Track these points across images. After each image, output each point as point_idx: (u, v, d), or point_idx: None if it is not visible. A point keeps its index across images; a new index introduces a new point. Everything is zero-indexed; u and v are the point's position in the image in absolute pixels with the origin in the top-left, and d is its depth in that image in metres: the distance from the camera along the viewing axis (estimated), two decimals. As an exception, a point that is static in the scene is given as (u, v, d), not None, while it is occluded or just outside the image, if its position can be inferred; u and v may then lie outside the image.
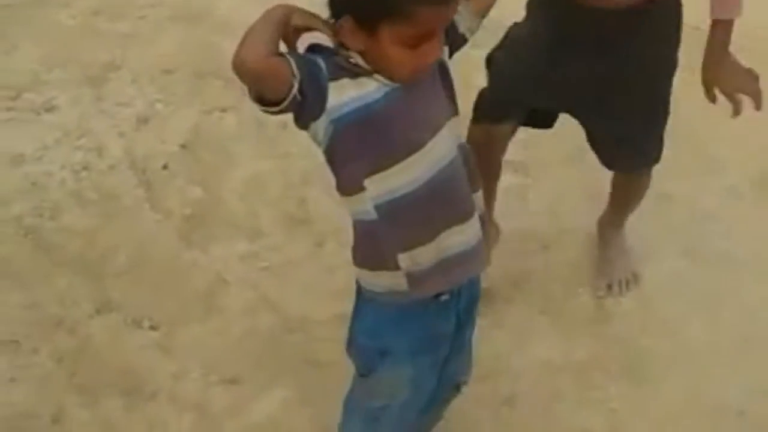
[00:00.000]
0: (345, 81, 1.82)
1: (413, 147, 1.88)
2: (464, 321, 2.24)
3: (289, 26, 1.81)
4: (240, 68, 1.74)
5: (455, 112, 2.00)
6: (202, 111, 4.14)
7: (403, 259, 1.97)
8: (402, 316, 2.08)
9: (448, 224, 1.98)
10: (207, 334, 3.16)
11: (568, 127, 4.14)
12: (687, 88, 4.46)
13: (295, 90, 1.76)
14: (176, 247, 3.52)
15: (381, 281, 2.03)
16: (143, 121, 4.12)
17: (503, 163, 3.58)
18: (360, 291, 2.13)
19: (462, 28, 2.01)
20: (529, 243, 3.56)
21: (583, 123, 2.96)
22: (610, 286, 3.30)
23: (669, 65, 2.84)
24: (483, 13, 2.08)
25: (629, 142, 2.97)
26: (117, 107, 4.24)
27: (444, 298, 2.08)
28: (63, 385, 3.00)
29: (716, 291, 3.35)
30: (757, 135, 4.11)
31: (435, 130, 1.91)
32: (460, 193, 2.00)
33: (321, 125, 1.83)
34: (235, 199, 3.69)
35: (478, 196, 2.09)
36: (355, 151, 1.88)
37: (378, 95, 1.84)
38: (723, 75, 2.74)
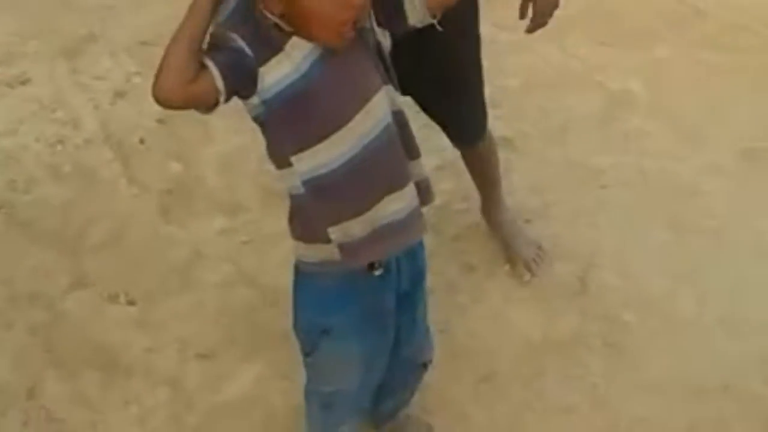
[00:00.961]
0: (272, 61, 1.77)
1: (339, 123, 1.85)
2: (411, 297, 2.21)
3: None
4: (164, 104, 1.73)
5: (387, 81, 1.94)
6: (180, 84, 4.09)
7: (333, 231, 1.94)
8: (339, 291, 2.06)
9: (380, 195, 1.95)
10: (183, 308, 3.13)
11: (553, 102, 4.13)
12: (668, 64, 4.48)
13: (221, 102, 1.76)
14: (154, 222, 3.49)
15: (315, 253, 2.00)
16: (120, 94, 4.07)
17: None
18: (298, 267, 2.10)
19: (412, 20, 1.95)
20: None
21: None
22: (527, 266, 3.25)
23: (467, 41, 2.83)
24: (436, 10, 1.99)
25: (451, 120, 3.00)
26: (93, 80, 4.19)
27: (378, 272, 2.05)
28: (38, 360, 2.97)
29: (700, 265, 3.32)
30: (738, 109, 4.10)
31: (363, 103, 1.87)
32: (392, 163, 1.97)
33: (251, 103, 1.82)
34: (213, 173, 3.65)
35: (418, 163, 2.04)
36: (283, 129, 1.86)
37: (304, 68, 1.79)
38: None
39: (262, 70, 1.76)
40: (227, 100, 1.77)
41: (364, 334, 2.13)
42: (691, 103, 4.16)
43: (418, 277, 2.21)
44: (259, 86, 1.77)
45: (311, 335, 2.14)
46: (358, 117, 1.86)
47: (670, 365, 2.98)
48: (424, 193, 2.07)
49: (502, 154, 3.77)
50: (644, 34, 4.71)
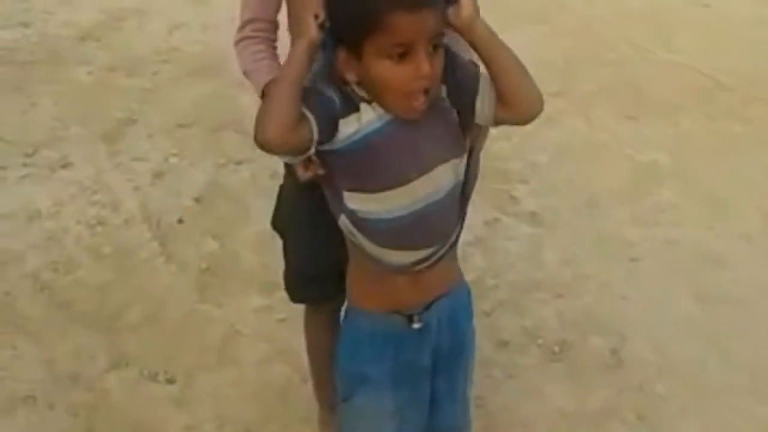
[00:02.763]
0: (349, 118, 1.88)
1: (395, 183, 1.92)
2: (451, 366, 2.24)
3: (314, 47, 1.85)
4: (264, 148, 1.82)
5: (459, 155, 2.01)
6: (216, 164, 4.18)
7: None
8: (378, 339, 2.11)
9: (425, 245, 2.02)
10: (221, 386, 3.16)
11: (579, 175, 4.19)
12: (693, 136, 4.54)
13: (312, 151, 1.87)
14: (191, 300, 3.55)
15: (359, 250, 2.06)
16: (158, 175, 4.18)
17: (517, 214, 3.62)
18: (346, 312, 2.18)
19: (479, 119, 2.00)
20: (543, 292, 3.57)
21: None
22: None
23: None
24: (510, 122, 2.04)
25: None
26: (132, 162, 4.30)
27: (417, 325, 2.09)
28: (79, 441, 3.01)
29: (729, 336, 3.34)
30: (762, 179, 4.15)
31: (424, 170, 1.93)
32: (443, 226, 2.04)
33: (322, 147, 1.90)
34: (249, 252, 3.72)
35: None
36: (341, 170, 1.95)
37: (377, 125, 1.89)
38: None
39: (342, 122, 1.87)
40: (320, 143, 1.87)
41: (399, 388, 2.16)
42: (717, 174, 4.22)
43: (460, 348, 2.24)
44: (336, 138, 1.88)
45: (349, 381, 2.18)
46: (416, 182, 1.93)
47: (702, 435, 3.00)
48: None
49: (532, 229, 3.84)
50: (669, 106, 4.80)
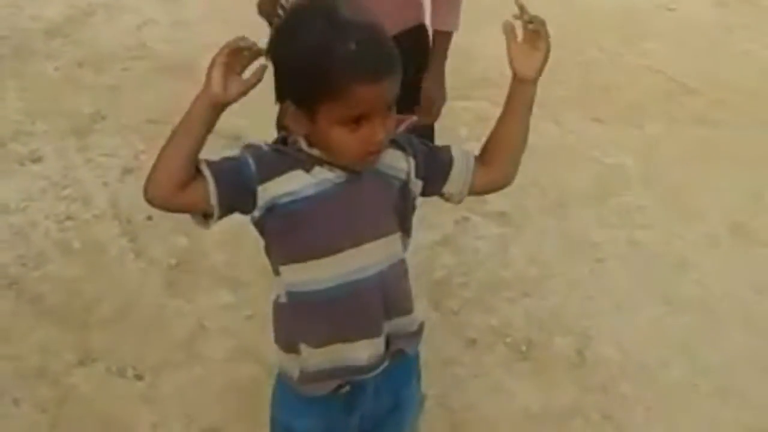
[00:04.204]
0: (273, 182, 1.79)
1: (327, 250, 1.85)
2: (382, 424, 2.15)
3: (220, 106, 1.73)
4: (151, 204, 1.75)
5: (396, 231, 1.93)
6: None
7: (303, 349, 1.94)
8: (307, 399, 2.04)
9: (348, 338, 1.93)
10: (189, 383, 3.17)
11: (549, 177, 4.23)
12: (660, 140, 4.59)
13: (214, 220, 1.78)
14: (160, 295, 3.55)
15: (285, 362, 2.03)
16: (128, 171, 4.18)
17: (485, 214, 3.64)
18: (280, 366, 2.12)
19: (448, 189, 1.98)
20: (511, 291, 3.60)
21: None
22: None
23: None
24: (480, 191, 2.04)
25: None
26: (102, 157, 4.29)
27: (345, 390, 2.01)
28: (46, 436, 3.00)
29: (694, 338, 3.39)
30: (733, 185, 4.20)
31: (358, 242, 1.86)
32: (368, 311, 1.93)
33: (252, 214, 1.82)
34: (218, 249, 3.72)
35: (404, 321, 2.01)
36: (276, 239, 1.88)
37: (310, 192, 1.81)
38: (433, 78, 2.94)
39: (269, 184, 1.79)
40: (222, 216, 1.78)
41: None
42: (683, 177, 4.28)
43: (398, 411, 2.16)
44: (258, 203, 1.79)
45: (278, 429, 2.15)
46: (349, 252, 1.85)
47: (666, 437, 3.03)
48: (410, 338, 2.06)
49: (501, 229, 3.87)
50: (636, 110, 4.84)
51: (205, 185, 1.74)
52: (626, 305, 3.54)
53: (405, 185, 1.92)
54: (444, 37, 2.91)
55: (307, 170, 1.82)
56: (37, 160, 4.27)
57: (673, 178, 4.30)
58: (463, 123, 4.47)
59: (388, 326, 1.97)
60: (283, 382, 2.08)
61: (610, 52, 5.58)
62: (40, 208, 3.96)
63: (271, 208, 1.81)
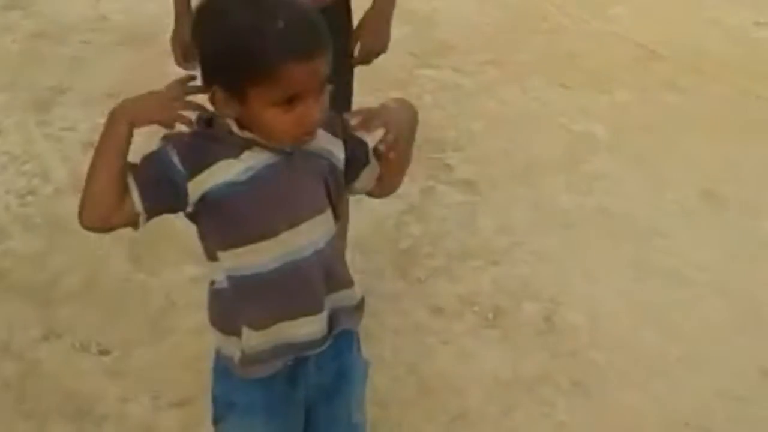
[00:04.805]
0: (203, 175, 1.76)
1: (265, 234, 1.83)
2: (331, 393, 2.14)
3: (143, 124, 1.74)
4: (90, 230, 1.74)
5: (324, 209, 1.91)
6: (147, 133, 4.12)
7: (245, 332, 1.92)
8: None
9: (290, 315, 1.92)
10: (156, 357, 3.14)
11: (517, 144, 4.22)
12: (628, 106, 4.59)
13: (141, 224, 1.76)
14: (125, 270, 3.52)
15: (225, 345, 2.01)
16: (89, 145, 4.09)
17: (451, 182, 3.61)
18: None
19: (354, 185, 1.99)
20: (478, 259, 3.59)
21: None
22: None
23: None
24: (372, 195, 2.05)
25: None
26: (62, 131, 4.24)
27: (289, 362, 2.00)
28: (10, 411, 2.95)
29: (663, 305, 3.39)
30: (702, 153, 4.21)
31: (293, 224, 1.85)
32: (309, 289, 1.92)
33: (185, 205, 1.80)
34: (183, 221, 3.66)
35: (349, 291, 2.01)
36: (210, 226, 1.85)
37: (242, 178, 1.78)
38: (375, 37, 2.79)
39: (198, 178, 1.75)
40: (149, 219, 1.76)
41: (271, 417, 2.07)
42: (652, 144, 4.28)
43: (344, 381, 2.13)
44: (189, 198, 1.76)
45: (219, 406, 2.11)
46: (286, 234, 1.84)
47: (634, 403, 3.02)
48: (351, 313, 2.04)
49: (467, 197, 3.85)
50: (603, 76, 4.84)
51: (130, 201, 1.73)
52: (596, 272, 3.54)
53: (334, 167, 1.90)
54: None
55: (236, 156, 1.78)
56: (-4, 134, 4.21)
57: (643, 145, 4.30)
58: (427, 91, 4.46)
59: (329, 301, 1.96)
60: (222, 360, 2.05)
61: (576, 18, 5.58)
62: (0, 183, 3.91)
63: (203, 199, 1.77)
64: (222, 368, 2.07)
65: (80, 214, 1.72)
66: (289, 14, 1.67)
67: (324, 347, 1.99)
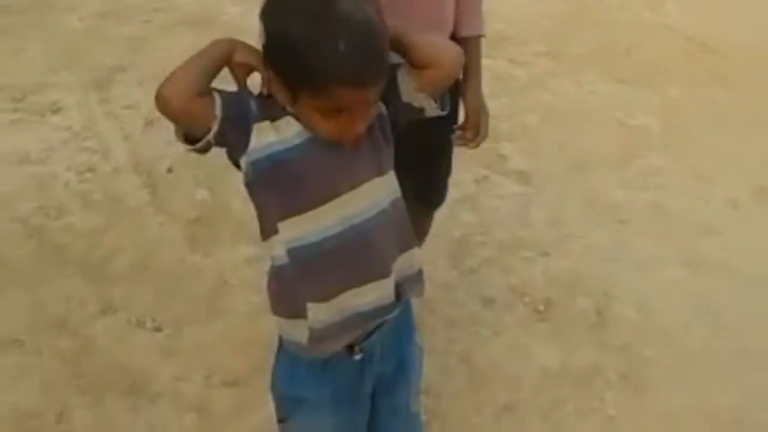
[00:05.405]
0: (267, 123, 1.78)
1: (325, 197, 1.82)
2: (392, 384, 2.13)
3: (232, 62, 1.78)
4: (161, 107, 1.74)
5: (385, 170, 1.91)
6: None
7: (311, 308, 1.89)
8: (317, 368, 2.01)
9: (356, 283, 1.89)
10: (210, 336, 3.18)
11: (570, 137, 4.21)
12: (680, 102, 4.56)
13: (211, 135, 1.75)
14: (181, 250, 3.56)
15: (291, 330, 1.97)
16: (149, 123, 4.18)
17: (505, 173, 3.61)
18: (281, 340, 2.08)
19: (405, 98, 1.91)
20: (530, 250, 3.60)
21: None
22: None
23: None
24: (426, 91, 1.93)
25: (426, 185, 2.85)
26: (123, 110, 4.30)
27: (358, 356, 1.99)
28: (67, 385, 3.01)
29: (715, 300, 3.38)
30: (753, 148, 4.18)
31: (354, 185, 1.84)
32: (375, 253, 1.91)
33: (243, 164, 1.79)
34: (240, 202, 3.72)
35: (411, 254, 1.99)
36: (269, 194, 1.83)
37: (297, 141, 1.79)
38: (473, 93, 2.68)
39: (256, 127, 1.77)
40: (217, 136, 1.75)
41: (337, 412, 2.08)
42: (704, 139, 4.26)
43: (403, 369, 2.14)
44: (250, 146, 1.77)
45: (286, 404, 2.11)
46: (347, 196, 1.84)
47: (684, 398, 3.03)
48: (413, 282, 2.02)
49: (521, 188, 3.86)
50: (658, 70, 4.81)
51: (212, 102, 1.73)
52: (647, 267, 3.54)
53: (379, 115, 1.88)
54: (476, 43, 2.62)
55: (288, 122, 1.80)
56: (58, 111, 4.27)
57: (695, 140, 4.28)
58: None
59: (397, 265, 1.95)
60: (287, 355, 2.05)
61: (631, 12, 5.54)
62: (61, 160, 3.97)
63: (264, 159, 1.78)
64: (286, 364, 2.06)
65: (161, 87, 1.73)
66: (351, 37, 1.66)
67: (393, 314, 1.99)
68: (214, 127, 1.73)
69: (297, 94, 1.73)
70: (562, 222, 3.76)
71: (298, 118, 1.79)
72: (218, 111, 1.73)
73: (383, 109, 1.88)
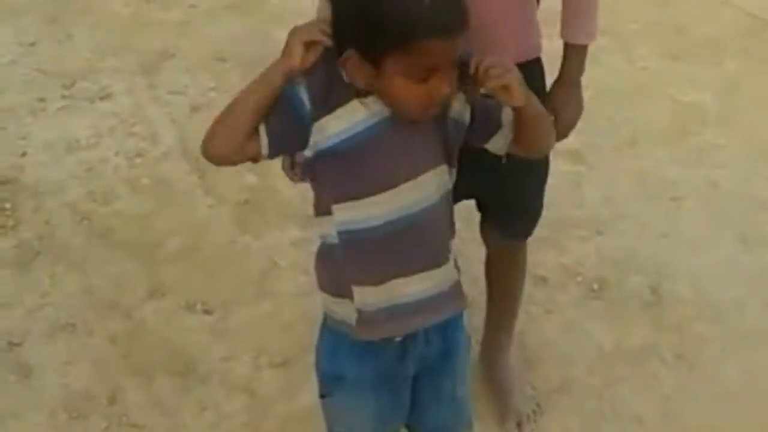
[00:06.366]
0: (325, 119, 1.77)
1: (384, 186, 1.83)
2: (435, 372, 2.12)
3: (294, 43, 1.74)
4: (211, 161, 1.78)
5: (445, 162, 1.90)
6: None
7: (357, 291, 1.91)
8: (358, 347, 2.00)
9: (405, 272, 1.91)
10: (259, 317, 3.18)
11: (623, 114, 4.15)
12: (738, 77, 4.47)
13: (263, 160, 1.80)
14: (229, 232, 3.56)
15: (339, 309, 1.98)
16: (196, 109, 4.18)
17: (557, 151, 3.55)
18: (326, 318, 2.08)
19: (491, 147, 1.93)
20: (583, 229, 3.55)
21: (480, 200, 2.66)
22: (519, 425, 2.82)
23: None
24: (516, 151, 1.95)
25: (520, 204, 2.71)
26: (170, 95, 4.30)
27: (398, 338, 1.99)
28: (118, 367, 3.03)
29: (770, 277, 3.31)
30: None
31: (412, 175, 1.84)
32: (428, 243, 1.92)
33: (301, 156, 1.82)
34: (288, 185, 3.69)
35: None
36: (330, 177, 1.85)
37: (363, 127, 1.79)
38: (569, 107, 2.53)
39: (322, 121, 1.77)
40: (271, 157, 1.81)
41: (379, 393, 2.08)
42: (760, 115, 4.16)
43: (449, 355, 2.11)
44: (312, 140, 1.78)
45: (328, 380, 2.11)
46: (404, 186, 1.84)
47: (740, 376, 2.98)
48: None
49: (573, 167, 3.80)
50: (714, 47, 4.72)
51: (258, 141, 1.76)
52: (702, 245, 3.48)
53: (456, 123, 1.88)
54: (580, 50, 2.48)
55: (362, 101, 1.78)
56: (106, 97, 4.29)
57: (750, 116, 4.18)
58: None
59: (445, 259, 1.96)
60: (330, 332, 2.06)
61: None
62: (110, 145, 3.99)
63: (325, 145, 1.79)
64: (329, 341, 2.07)
65: (208, 143, 1.75)
66: None
67: (443, 317, 2.00)
68: (265, 158, 1.79)
69: (381, 61, 1.71)
70: (615, 200, 3.70)
71: (380, 98, 1.77)
72: (265, 150, 1.77)
73: (466, 117, 1.89)
